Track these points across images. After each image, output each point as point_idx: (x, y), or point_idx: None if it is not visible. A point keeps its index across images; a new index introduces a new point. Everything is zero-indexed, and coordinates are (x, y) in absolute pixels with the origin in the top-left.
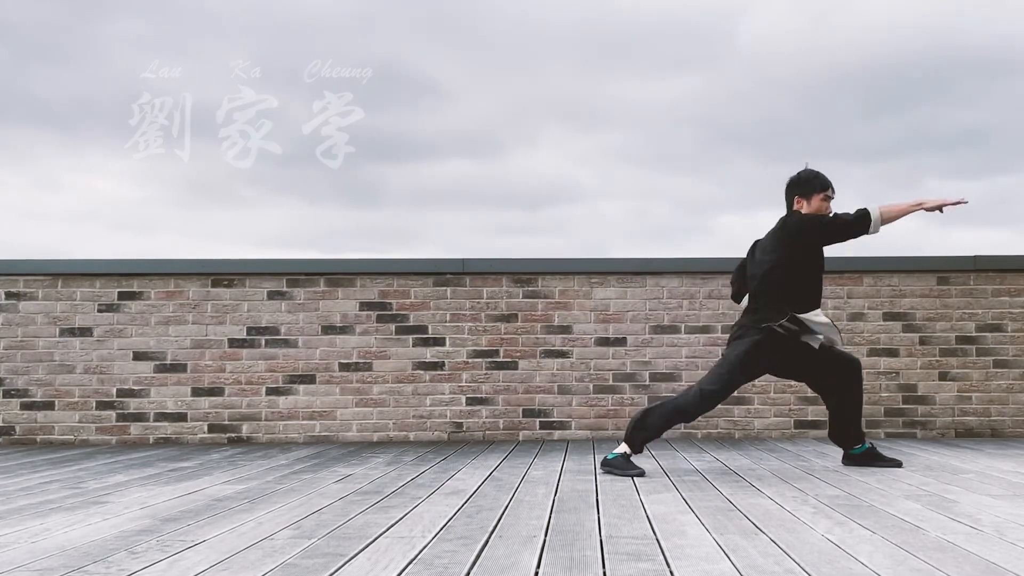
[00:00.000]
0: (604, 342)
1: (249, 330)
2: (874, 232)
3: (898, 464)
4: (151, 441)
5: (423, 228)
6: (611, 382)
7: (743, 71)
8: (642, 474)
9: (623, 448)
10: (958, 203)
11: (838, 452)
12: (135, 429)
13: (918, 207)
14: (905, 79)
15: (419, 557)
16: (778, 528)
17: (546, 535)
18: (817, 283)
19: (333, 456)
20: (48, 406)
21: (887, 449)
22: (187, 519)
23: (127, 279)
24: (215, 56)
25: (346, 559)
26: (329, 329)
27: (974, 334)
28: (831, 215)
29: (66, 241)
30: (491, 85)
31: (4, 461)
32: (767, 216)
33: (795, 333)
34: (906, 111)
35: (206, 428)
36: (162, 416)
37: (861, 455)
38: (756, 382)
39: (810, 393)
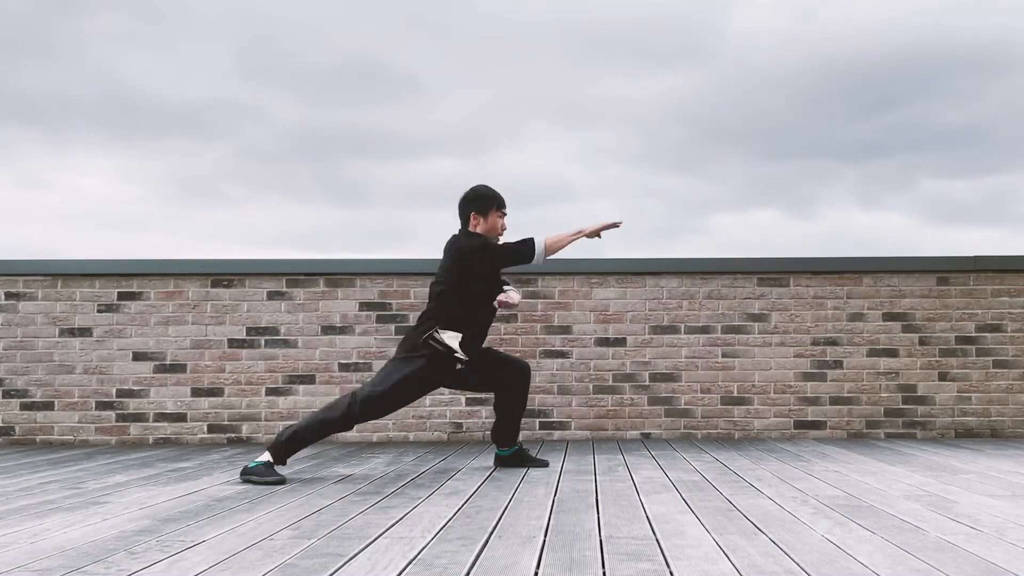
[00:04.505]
0: (604, 342)
1: (249, 330)
2: (538, 262)
3: (545, 464)
4: (151, 441)
5: (413, 227)
6: (611, 382)
7: (733, 68)
8: (282, 482)
9: (266, 456)
10: (612, 225)
11: (838, 452)
12: (135, 429)
13: (579, 235)
14: (896, 76)
15: (419, 557)
16: (778, 528)
17: (546, 535)
18: (483, 305)
19: (333, 456)
20: (48, 406)
21: (887, 450)
22: (187, 519)
23: (127, 279)
24: (197, 52)
25: (346, 559)
26: (329, 329)
27: (974, 334)
28: (501, 245)
29: (55, 240)
30: (477, 82)
31: (4, 461)
32: (761, 216)
33: (449, 354)
34: (898, 109)
35: (206, 428)
36: (162, 416)
37: (510, 456)
38: (755, 382)
39: (810, 393)
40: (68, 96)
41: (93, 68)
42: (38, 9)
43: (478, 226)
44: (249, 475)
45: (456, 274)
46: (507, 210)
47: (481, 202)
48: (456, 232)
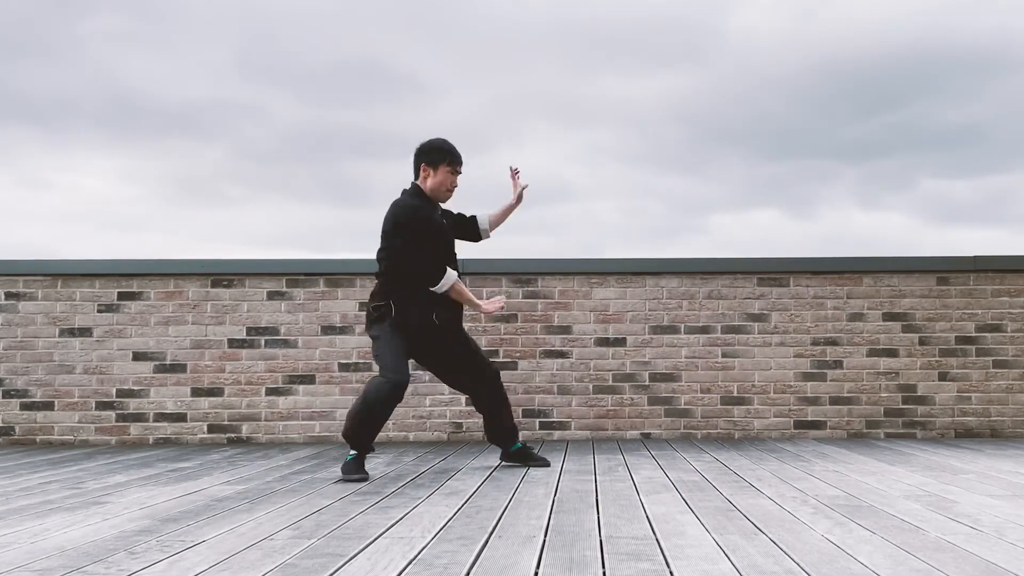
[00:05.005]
0: (604, 342)
1: (249, 330)
2: (438, 290)
3: (547, 463)
4: (151, 441)
5: None
6: (611, 382)
7: (733, 68)
8: (365, 479)
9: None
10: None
11: (838, 452)
12: (135, 429)
13: (475, 304)
14: (896, 76)
15: (419, 557)
16: (778, 528)
17: (546, 535)
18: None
19: (333, 456)
20: (48, 406)
21: (887, 450)
22: (187, 519)
23: (127, 279)
24: (197, 52)
25: (346, 559)
26: (329, 329)
27: (974, 334)
28: (413, 246)
29: (55, 240)
30: (477, 82)
31: (4, 461)
32: (761, 216)
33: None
34: (898, 109)
35: (206, 428)
36: (162, 416)
37: (515, 453)
38: (755, 382)
39: (810, 393)
40: (68, 96)
41: (93, 68)
42: (38, 9)
43: (428, 179)
44: (343, 472)
45: (388, 235)
46: (462, 168)
47: (434, 155)
48: (406, 187)
